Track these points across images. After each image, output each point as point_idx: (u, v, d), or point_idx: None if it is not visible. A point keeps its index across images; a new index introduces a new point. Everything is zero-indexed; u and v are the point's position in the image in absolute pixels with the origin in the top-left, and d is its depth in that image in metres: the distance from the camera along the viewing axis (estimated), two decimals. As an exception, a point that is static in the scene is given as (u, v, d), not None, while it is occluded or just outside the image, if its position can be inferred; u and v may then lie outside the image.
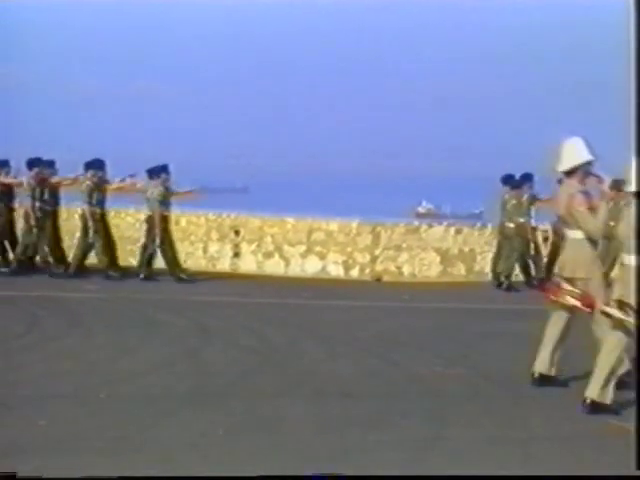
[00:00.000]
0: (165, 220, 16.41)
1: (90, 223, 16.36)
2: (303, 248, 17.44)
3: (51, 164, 16.94)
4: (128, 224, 18.03)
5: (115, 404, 8.13)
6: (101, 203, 16.54)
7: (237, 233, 17.58)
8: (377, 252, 17.86)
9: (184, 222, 17.92)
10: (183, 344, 10.86)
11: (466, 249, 18.13)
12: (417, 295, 15.81)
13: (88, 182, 16.45)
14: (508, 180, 17.34)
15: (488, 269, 17.86)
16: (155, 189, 16.33)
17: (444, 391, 8.90)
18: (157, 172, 16.52)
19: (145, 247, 16.53)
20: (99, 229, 16.42)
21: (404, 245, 17.98)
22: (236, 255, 17.61)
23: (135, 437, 7.24)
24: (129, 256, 17.47)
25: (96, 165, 16.63)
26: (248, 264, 17.71)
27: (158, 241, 16.28)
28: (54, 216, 16.88)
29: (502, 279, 17.00)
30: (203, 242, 18.13)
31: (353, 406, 8.29)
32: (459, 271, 18.05)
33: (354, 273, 17.83)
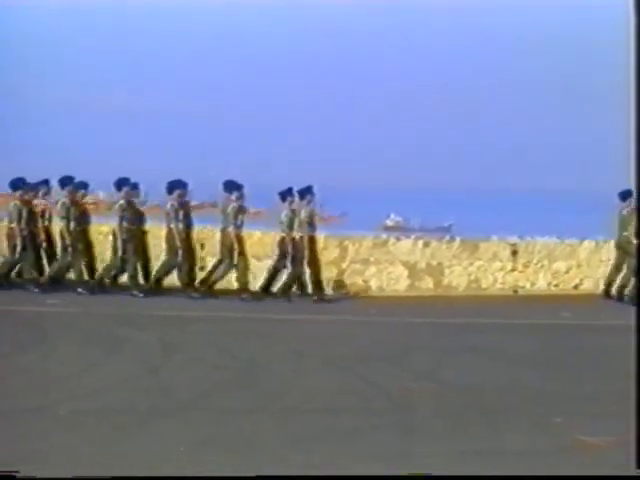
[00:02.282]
0: (312, 241, 16.63)
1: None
2: (270, 262, 17.41)
3: (185, 185, 16.91)
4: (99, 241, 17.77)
5: (76, 420, 8.11)
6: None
7: (202, 246, 17.57)
8: (344, 266, 17.90)
9: (150, 236, 17.83)
10: (147, 360, 10.82)
11: (434, 263, 18.20)
12: (385, 309, 15.86)
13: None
14: (627, 196, 17.34)
15: (457, 282, 17.98)
16: (303, 210, 16.55)
17: (414, 406, 8.93)
18: (303, 193, 16.75)
19: (276, 268, 16.68)
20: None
21: (372, 259, 18.03)
22: (201, 269, 17.55)
23: (96, 454, 7.23)
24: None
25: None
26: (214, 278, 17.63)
27: (305, 263, 16.48)
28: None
29: (625, 292, 17.01)
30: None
31: (323, 422, 8.31)
32: (427, 285, 18.11)
33: (321, 287, 17.82)
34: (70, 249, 16.48)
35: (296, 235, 16.51)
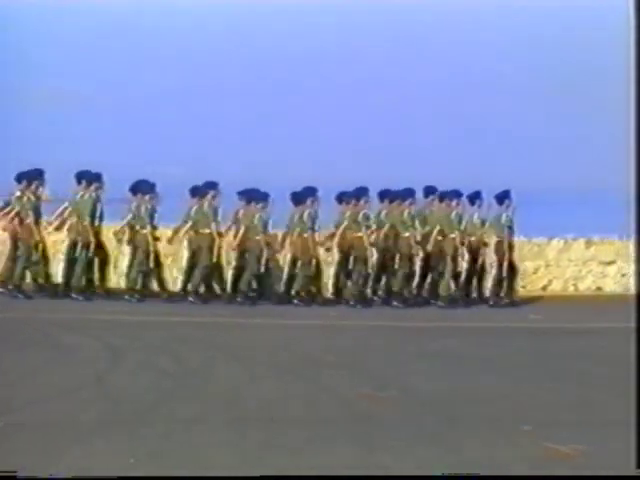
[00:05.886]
0: (511, 246, 17.10)
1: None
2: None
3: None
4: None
5: (15, 433, 7.99)
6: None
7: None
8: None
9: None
10: (91, 367, 10.73)
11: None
12: (347, 313, 15.83)
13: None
14: None
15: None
16: (504, 215, 17.06)
17: (374, 415, 8.90)
18: (501, 198, 17.27)
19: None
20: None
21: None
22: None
23: (37, 469, 7.11)
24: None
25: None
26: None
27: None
28: None
29: None
30: (113, 256, 17.59)
31: (276, 432, 8.26)
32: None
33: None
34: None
35: (488, 239, 16.99)
